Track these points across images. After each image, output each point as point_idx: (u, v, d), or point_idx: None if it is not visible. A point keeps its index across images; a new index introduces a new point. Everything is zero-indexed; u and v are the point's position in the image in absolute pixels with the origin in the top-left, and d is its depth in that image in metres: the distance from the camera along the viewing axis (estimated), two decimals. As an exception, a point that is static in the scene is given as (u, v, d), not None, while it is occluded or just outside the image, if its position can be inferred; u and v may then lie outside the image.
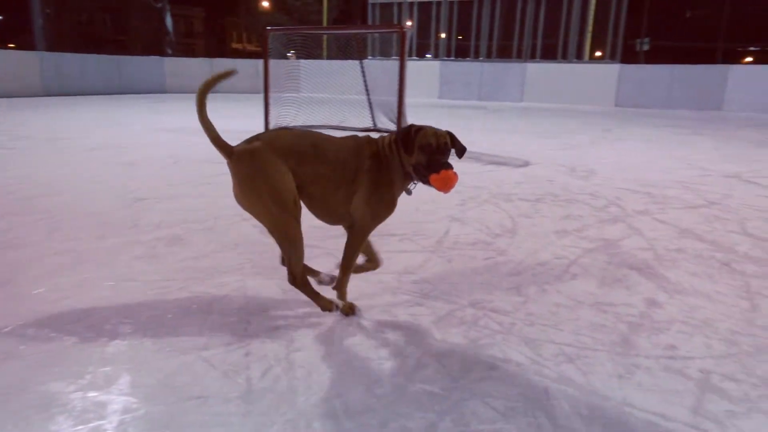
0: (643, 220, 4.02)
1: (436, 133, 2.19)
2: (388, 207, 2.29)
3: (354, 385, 1.82)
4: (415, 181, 2.28)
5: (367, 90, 9.05)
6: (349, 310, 2.33)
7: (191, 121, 10.70)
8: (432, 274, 2.84)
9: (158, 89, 19.57)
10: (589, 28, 19.16)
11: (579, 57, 18.86)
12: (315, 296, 2.30)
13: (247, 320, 2.26)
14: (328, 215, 2.32)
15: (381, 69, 8.98)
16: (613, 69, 17.50)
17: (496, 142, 8.36)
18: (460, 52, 20.64)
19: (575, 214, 4.13)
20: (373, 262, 2.55)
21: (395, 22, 20.05)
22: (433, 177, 2.12)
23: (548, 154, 7.17)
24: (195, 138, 8.05)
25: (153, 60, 20.26)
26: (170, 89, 19.83)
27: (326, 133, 2.40)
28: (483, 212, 4.11)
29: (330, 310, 2.31)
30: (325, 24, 24.06)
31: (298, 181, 2.14)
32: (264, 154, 2.07)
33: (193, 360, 1.95)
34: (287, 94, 9.61)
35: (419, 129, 2.20)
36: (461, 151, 2.27)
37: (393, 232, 3.51)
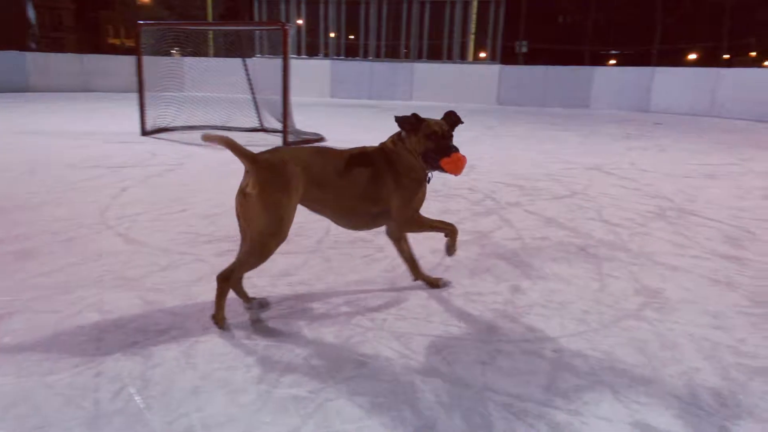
0: (514, 211, 4.26)
1: (437, 122, 2.39)
2: (414, 193, 2.42)
3: (216, 397, 1.73)
4: (428, 172, 2.43)
5: (251, 89, 8.79)
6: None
7: (56, 122, 9.77)
8: (309, 275, 2.81)
9: (19, 87, 17.64)
10: (472, 30, 20.06)
11: (463, 57, 19.70)
12: (220, 305, 2.17)
13: (100, 338, 2.08)
14: (357, 222, 2.43)
15: (269, 67, 8.75)
16: (495, 69, 18.48)
17: (383, 139, 8.48)
18: (351, 51, 20.76)
19: (453, 209, 4.29)
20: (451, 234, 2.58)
21: (283, 19, 19.72)
22: (444, 161, 2.30)
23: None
24: (59, 141, 7.36)
25: (12, 55, 18.21)
26: (34, 88, 17.95)
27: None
28: (365, 210, 4.14)
29: (220, 327, 2.17)
30: (210, 20, 23.08)
31: (320, 196, 2.25)
32: (291, 167, 2.13)
33: (33, 386, 1.76)
34: (167, 93, 9.08)
35: (421, 120, 2.38)
36: (459, 121, 2.50)
37: (271, 234, 3.42)
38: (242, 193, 2.11)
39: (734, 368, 2.03)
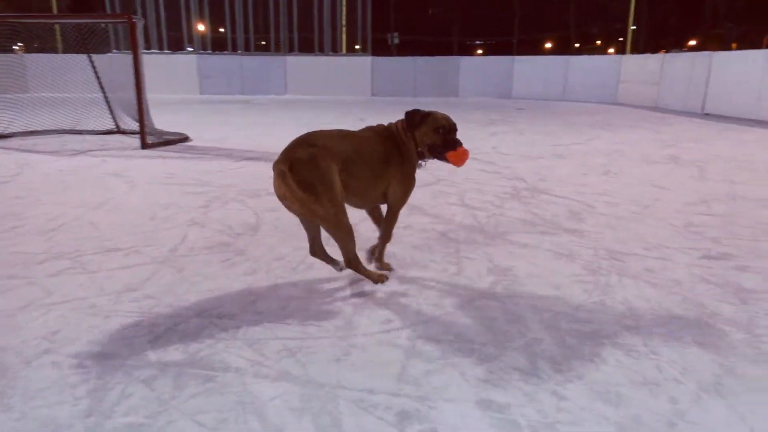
0: (381, 202, 4.31)
1: (444, 116, 2.59)
2: (413, 184, 2.69)
3: (33, 440, 1.54)
4: (425, 160, 2.66)
5: (102, 88, 8.06)
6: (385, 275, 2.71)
7: None
8: (158, 288, 2.61)
9: None
10: (343, 22, 20.10)
11: (335, 50, 19.69)
12: (368, 273, 2.57)
13: None
14: (363, 201, 2.64)
15: (126, 64, 8.06)
16: (367, 61, 18.71)
17: (255, 136, 8.21)
18: (218, 45, 19.89)
19: (320, 204, 4.24)
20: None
21: (138, 11, 18.34)
22: (450, 154, 2.54)
23: (305, 145, 7.28)
24: None
25: None
26: None
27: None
28: (227, 212, 3.96)
29: (382, 282, 2.60)
30: (55, 12, 20.83)
31: (343, 178, 2.38)
32: (324, 161, 2.29)
33: None
34: (4, 96, 8.07)
35: (427, 114, 2.58)
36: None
37: (118, 247, 3.15)
38: (296, 200, 2.30)
39: (570, 335, 2.20)
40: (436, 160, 2.66)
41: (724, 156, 6.67)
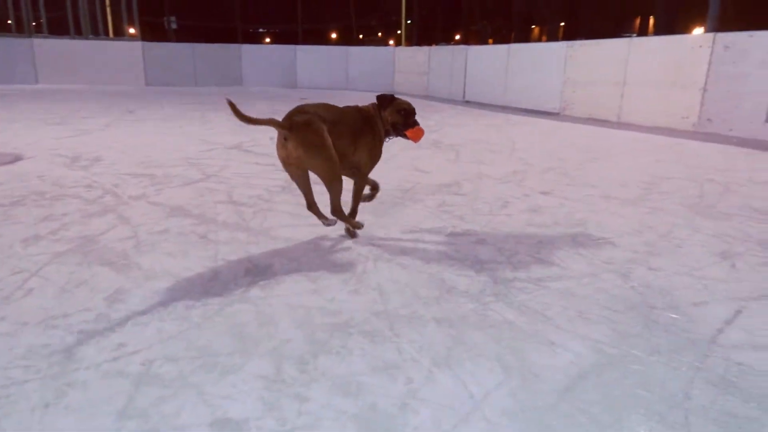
0: (136, 205, 3.88)
1: (405, 102, 3.17)
2: (379, 155, 3.21)
3: None
4: (390, 136, 3.20)
5: None
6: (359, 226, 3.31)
7: None
8: None
9: None
10: (107, 2, 17.88)
11: (96, 33, 17.42)
12: (349, 220, 3.18)
13: None
14: (343, 166, 3.00)
15: None
16: (137, 47, 16.96)
17: (-15, 135, 6.81)
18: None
19: (58, 213, 3.64)
20: (374, 189, 3.41)
21: None
22: (409, 132, 3.11)
23: (52, 143, 6.27)
24: None
25: None
26: None
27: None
28: None
29: (359, 228, 3.25)
30: None
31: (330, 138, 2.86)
32: (318, 124, 2.80)
33: None
34: None
35: (393, 98, 3.15)
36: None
37: None
38: (295, 157, 2.80)
39: (320, 329, 2.18)
40: (398, 137, 3.20)
41: (476, 139, 7.54)
